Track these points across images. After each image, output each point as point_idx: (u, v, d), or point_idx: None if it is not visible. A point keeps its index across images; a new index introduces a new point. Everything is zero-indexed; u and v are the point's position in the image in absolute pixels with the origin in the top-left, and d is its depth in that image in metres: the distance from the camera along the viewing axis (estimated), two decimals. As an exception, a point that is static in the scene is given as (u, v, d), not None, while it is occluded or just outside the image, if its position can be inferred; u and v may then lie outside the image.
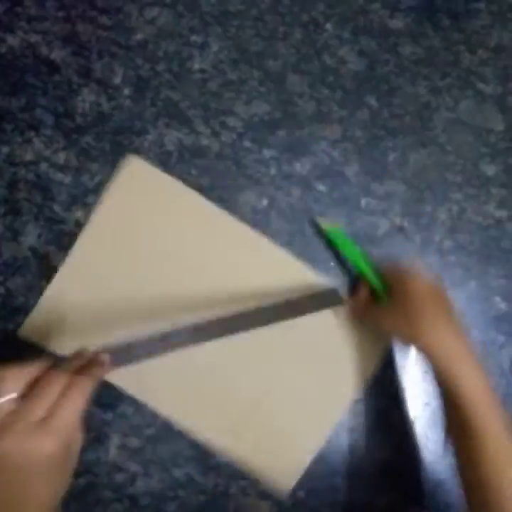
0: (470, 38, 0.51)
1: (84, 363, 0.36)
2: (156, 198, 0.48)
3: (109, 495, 0.47)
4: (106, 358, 0.36)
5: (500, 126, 0.50)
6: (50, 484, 0.33)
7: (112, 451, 0.47)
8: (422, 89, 0.50)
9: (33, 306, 0.47)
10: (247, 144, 0.49)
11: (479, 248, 0.49)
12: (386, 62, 0.50)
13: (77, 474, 0.46)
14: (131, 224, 0.48)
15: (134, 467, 0.47)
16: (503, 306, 0.49)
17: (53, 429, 0.32)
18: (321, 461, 0.47)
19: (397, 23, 0.51)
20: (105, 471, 0.47)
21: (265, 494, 0.47)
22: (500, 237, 0.50)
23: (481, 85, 0.51)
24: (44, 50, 0.50)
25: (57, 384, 0.33)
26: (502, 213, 0.50)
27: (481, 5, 0.52)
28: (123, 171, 0.48)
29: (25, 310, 0.47)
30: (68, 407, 0.33)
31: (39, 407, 0.32)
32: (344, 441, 0.47)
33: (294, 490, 0.47)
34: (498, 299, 0.49)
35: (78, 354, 0.36)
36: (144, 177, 0.48)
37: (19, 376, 0.33)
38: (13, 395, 0.32)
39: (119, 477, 0.47)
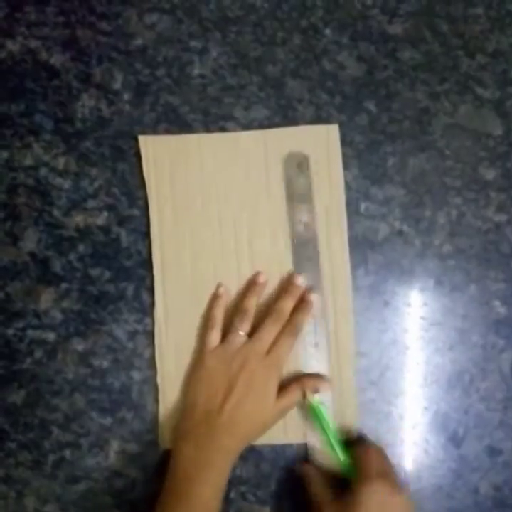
0: (468, 43, 0.51)
1: (295, 305, 0.46)
2: (190, 160, 0.49)
3: (109, 501, 0.46)
4: (313, 297, 0.47)
5: (498, 131, 0.50)
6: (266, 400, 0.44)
7: (112, 456, 0.47)
8: (421, 94, 0.50)
9: (30, 308, 0.47)
10: (246, 148, 0.49)
11: (479, 252, 0.49)
12: (385, 68, 0.50)
13: (76, 480, 0.46)
14: (187, 198, 0.49)
15: (133, 473, 0.47)
16: (502, 310, 0.49)
17: (274, 360, 0.44)
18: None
19: (395, 29, 0.51)
20: (104, 476, 0.46)
21: (264, 499, 0.47)
22: (500, 241, 0.50)
23: (479, 90, 0.51)
24: (44, 56, 0.50)
25: (278, 325, 0.45)
26: (501, 217, 0.50)
27: (480, 10, 0.52)
28: (144, 153, 0.49)
29: (24, 315, 0.47)
30: (285, 344, 0.45)
31: (266, 343, 0.44)
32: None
33: (293, 494, 0.47)
34: (497, 302, 0.49)
35: (291, 283, 0.47)
36: (166, 148, 0.49)
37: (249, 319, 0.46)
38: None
39: (119, 483, 0.47)
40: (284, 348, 0.45)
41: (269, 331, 0.45)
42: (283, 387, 0.45)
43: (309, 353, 0.47)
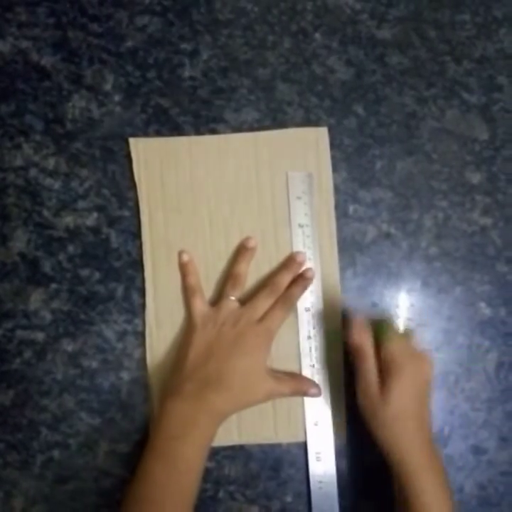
0: (455, 48, 0.52)
1: (293, 278, 0.47)
2: (180, 162, 0.49)
3: (98, 501, 0.47)
4: (312, 273, 0.47)
5: (484, 136, 0.51)
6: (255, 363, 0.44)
7: (101, 456, 0.47)
8: (409, 99, 0.51)
9: (19, 309, 0.47)
10: (236, 150, 0.50)
11: (464, 254, 0.50)
12: (373, 72, 0.51)
13: (65, 480, 0.46)
14: (177, 197, 0.49)
15: (123, 473, 0.47)
16: (487, 311, 0.50)
17: (265, 329, 0.44)
18: (302, 466, 0.47)
19: (384, 34, 0.52)
20: (93, 476, 0.47)
21: (253, 498, 0.47)
22: (485, 244, 0.50)
23: (466, 95, 0.52)
24: (34, 56, 0.50)
25: (273, 296, 0.45)
26: (486, 220, 0.51)
27: (466, 17, 0.53)
28: (135, 156, 0.49)
29: (13, 316, 0.47)
30: (277, 315, 0.45)
31: (259, 311, 0.45)
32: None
33: (281, 494, 0.47)
34: (483, 304, 0.50)
35: (291, 260, 0.48)
36: (156, 150, 0.49)
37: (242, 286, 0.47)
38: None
39: (108, 483, 0.47)
40: (276, 319, 0.45)
41: (263, 301, 0.45)
42: (277, 373, 0.45)
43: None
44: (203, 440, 0.42)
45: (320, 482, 0.47)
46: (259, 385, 0.43)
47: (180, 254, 0.48)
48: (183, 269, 0.48)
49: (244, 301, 0.46)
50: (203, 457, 0.42)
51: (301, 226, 0.48)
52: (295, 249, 0.48)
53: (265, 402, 0.45)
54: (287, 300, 0.46)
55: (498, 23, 0.53)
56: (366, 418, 0.42)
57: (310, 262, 0.48)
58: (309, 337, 0.48)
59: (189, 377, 0.43)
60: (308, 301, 0.48)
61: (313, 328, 0.48)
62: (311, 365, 0.48)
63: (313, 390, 0.46)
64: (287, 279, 0.47)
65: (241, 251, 0.48)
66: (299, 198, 0.49)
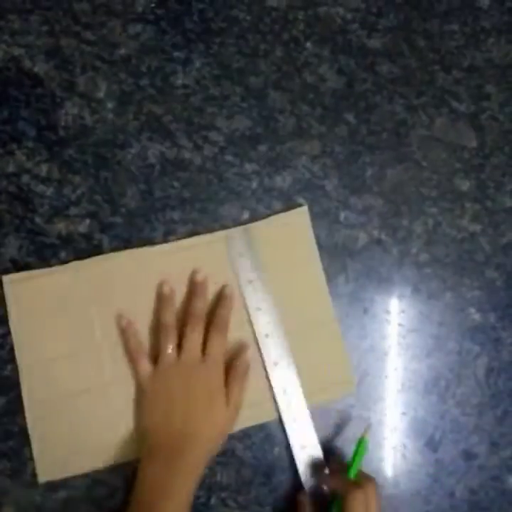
0: (444, 58, 0.53)
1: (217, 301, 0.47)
2: (58, 299, 0.47)
3: (90, 509, 0.46)
4: (230, 290, 0.47)
5: (473, 143, 0.52)
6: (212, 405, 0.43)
7: (92, 464, 0.47)
8: (399, 107, 0.52)
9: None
10: (229, 158, 0.50)
11: (454, 260, 0.51)
12: (364, 81, 0.52)
13: (56, 488, 0.46)
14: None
15: (114, 481, 0.47)
16: (477, 316, 0.50)
17: (211, 360, 0.44)
18: (294, 473, 0.47)
19: (374, 43, 0.52)
20: (85, 485, 0.46)
21: (245, 505, 0.47)
22: (474, 250, 0.51)
23: (455, 104, 0.52)
24: (27, 64, 0.50)
25: (200, 327, 0.45)
26: (475, 227, 0.51)
27: (455, 27, 0.54)
28: (9, 295, 0.46)
29: (5, 322, 0.47)
30: (216, 341, 0.45)
31: (196, 347, 0.44)
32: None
33: (273, 500, 0.47)
34: (472, 310, 0.51)
35: (193, 283, 0.47)
36: (34, 289, 0.47)
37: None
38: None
39: (100, 491, 0.46)
40: (216, 346, 0.45)
41: (192, 338, 0.44)
42: (229, 381, 0.45)
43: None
44: (185, 497, 0.41)
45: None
46: (225, 414, 0.43)
47: (118, 318, 0.46)
48: (123, 334, 0.46)
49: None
50: (188, 507, 0.41)
51: (249, 281, 0.48)
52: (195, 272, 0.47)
53: (236, 418, 0.45)
54: (219, 324, 0.46)
55: (487, 33, 0.54)
56: None
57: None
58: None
59: (156, 445, 0.42)
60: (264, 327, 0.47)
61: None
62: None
63: (246, 354, 0.46)
64: (201, 304, 0.46)
65: (161, 300, 0.46)
66: (241, 254, 0.48)
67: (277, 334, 0.47)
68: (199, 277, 0.47)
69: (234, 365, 0.46)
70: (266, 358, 0.47)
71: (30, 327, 0.46)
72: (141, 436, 0.45)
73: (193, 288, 0.47)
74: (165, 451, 0.42)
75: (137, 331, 0.46)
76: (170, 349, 0.44)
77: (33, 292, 0.47)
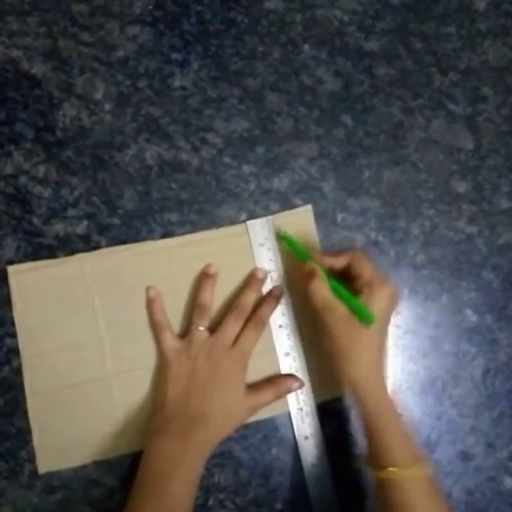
0: (441, 60, 0.53)
1: (260, 296, 0.47)
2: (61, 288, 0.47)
3: (86, 510, 0.46)
4: (279, 291, 0.48)
5: (469, 145, 0.52)
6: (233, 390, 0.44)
7: (89, 465, 0.47)
8: (396, 109, 0.52)
9: (8, 317, 0.47)
10: (226, 159, 0.50)
11: (451, 262, 0.51)
12: (361, 83, 0.52)
13: (53, 489, 0.46)
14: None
15: (111, 482, 0.47)
16: (474, 318, 0.51)
17: (239, 353, 0.44)
18: (292, 474, 0.47)
19: (371, 46, 0.53)
20: (82, 486, 0.46)
21: (243, 506, 0.47)
22: (471, 252, 0.51)
23: (451, 106, 0.53)
24: (25, 65, 0.50)
25: (241, 319, 0.46)
26: (472, 229, 0.51)
27: (452, 29, 0.54)
28: (14, 286, 0.47)
29: (1, 324, 0.47)
30: (250, 337, 0.45)
31: (230, 336, 0.45)
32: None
33: (271, 501, 0.47)
34: (469, 311, 0.51)
35: (253, 277, 0.48)
36: (39, 280, 0.47)
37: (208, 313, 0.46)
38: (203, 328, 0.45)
39: (96, 492, 0.46)
40: (249, 341, 0.45)
41: (231, 326, 0.45)
42: (255, 385, 0.46)
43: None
44: (192, 476, 0.42)
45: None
46: (242, 407, 0.44)
47: (147, 289, 0.47)
48: (150, 305, 0.47)
49: (214, 328, 0.46)
50: (193, 492, 0.42)
51: (267, 272, 0.49)
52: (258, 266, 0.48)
53: (252, 416, 0.45)
54: (258, 321, 0.46)
55: (483, 35, 0.54)
56: (336, 361, 0.43)
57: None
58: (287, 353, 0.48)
59: (172, 416, 0.43)
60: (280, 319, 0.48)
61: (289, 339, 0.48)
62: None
63: (294, 385, 0.46)
64: (252, 298, 0.47)
65: (203, 279, 0.47)
66: (261, 244, 0.49)
67: (290, 326, 0.48)
68: (260, 274, 0.48)
69: (274, 380, 0.46)
70: (278, 348, 0.48)
71: (34, 318, 0.47)
72: (149, 413, 0.46)
73: (252, 282, 0.47)
74: (180, 423, 0.42)
75: (162, 304, 0.47)
76: (202, 327, 0.45)
77: (37, 283, 0.47)
